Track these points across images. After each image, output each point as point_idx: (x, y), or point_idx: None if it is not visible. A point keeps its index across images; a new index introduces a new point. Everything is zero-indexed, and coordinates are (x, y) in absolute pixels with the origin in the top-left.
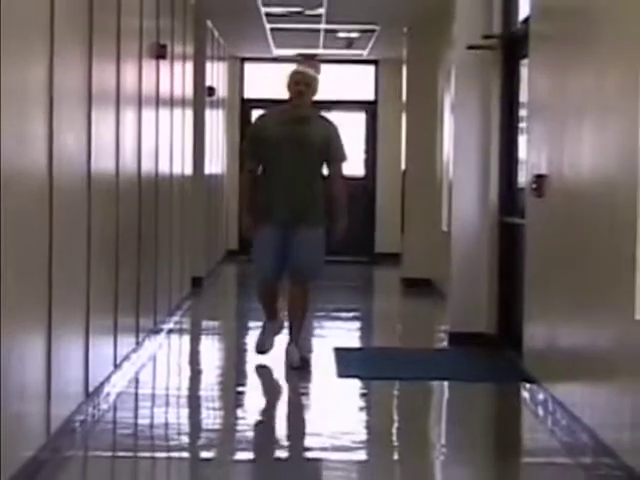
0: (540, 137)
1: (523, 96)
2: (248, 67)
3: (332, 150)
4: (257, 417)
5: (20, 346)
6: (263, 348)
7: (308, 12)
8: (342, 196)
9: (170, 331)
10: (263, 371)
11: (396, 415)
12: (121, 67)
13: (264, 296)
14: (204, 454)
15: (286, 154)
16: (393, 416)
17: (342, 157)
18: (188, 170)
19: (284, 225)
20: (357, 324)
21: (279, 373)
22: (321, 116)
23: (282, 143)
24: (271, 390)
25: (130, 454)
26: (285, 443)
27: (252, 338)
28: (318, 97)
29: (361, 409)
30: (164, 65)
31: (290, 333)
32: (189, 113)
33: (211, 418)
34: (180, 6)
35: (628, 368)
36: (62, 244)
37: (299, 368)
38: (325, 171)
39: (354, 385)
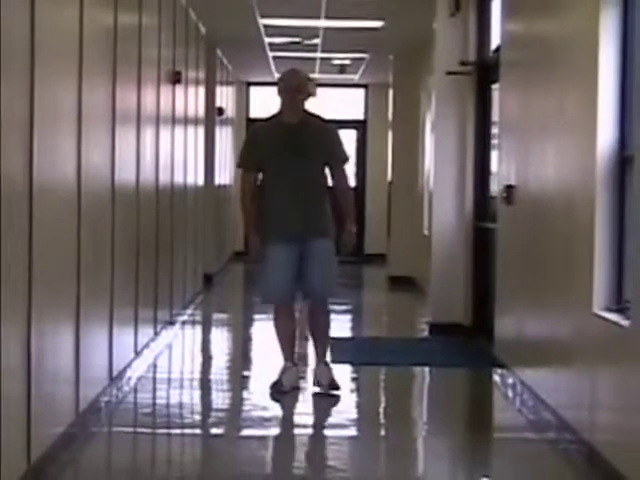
0: (509, 152)
1: (495, 116)
2: (253, 90)
3: (332, 152)
4: (261, 398)
5: (52, 336)
6: (278, 394)
7: (306, 42)
8: (348, 199)
9: (184, 322)
10: (265, 359)
11: (383, 396)
12: (141, 91)
13: (282, 324)
14: (214, 431)
15: (287, 163)
16: (380, 397)
17: (344, 157)
18: (200, 181)
19: (295, 240)
20: (349, 316)
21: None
22: (316, 118)
23: (281, 152)
24: (273, 375)
25: (149, 430)
26: (286, 421)
27: (257, 329)
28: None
29: (352, 391)
30: (179, 89)
31: (316, 354)
32: (201, 131)
33: (220, 399)
34: (193, 37)
35: (586, 355)
36: (89, 246)
37: (327, 392)
38: (329, 177)
39: (346, 370)
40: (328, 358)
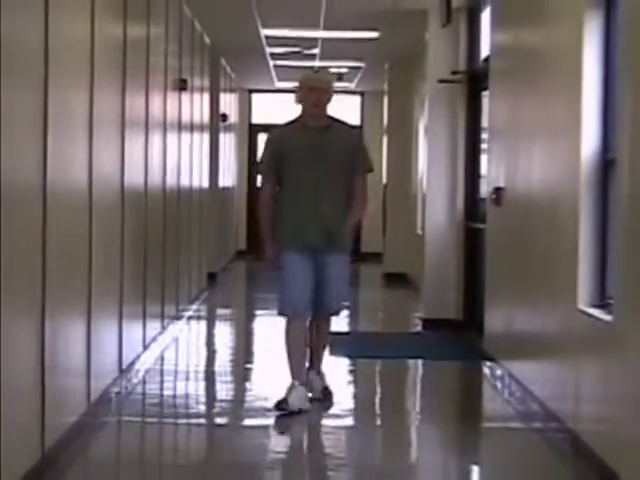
0: (498, 156)
1: (484, 121)
2: (255, 97)
3: (356, 160)
4: (262, 389)
5: (65, 330)
6: (284, 408)
7: (305, 52)
8: (361, 212)
9: (190, 317)
10: (267, 352)
11: (379, 387)
12: (149, 98)
13: (294, 339)
14: (218, 420)
15: (310, 169)
16: (376, 388)
17: (368, 168)
18: (205, 184)
19: (314, 250)
20: (346, 311)
21: (280, 354)
22: (342, 122)
23: (305, 157)
24: (274, 367)
25: (156, 420)
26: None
27: (259, 323)
28: None
29: (349, 382)
30: (185, 96)
31: (312, 362)
32: (206, 136)
33: (224, 390)
34: (198, 47)
35: (571, 349)
36: (100, 245)
37: (320, 399)
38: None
39: (344, 363)
40: (323, 368)
